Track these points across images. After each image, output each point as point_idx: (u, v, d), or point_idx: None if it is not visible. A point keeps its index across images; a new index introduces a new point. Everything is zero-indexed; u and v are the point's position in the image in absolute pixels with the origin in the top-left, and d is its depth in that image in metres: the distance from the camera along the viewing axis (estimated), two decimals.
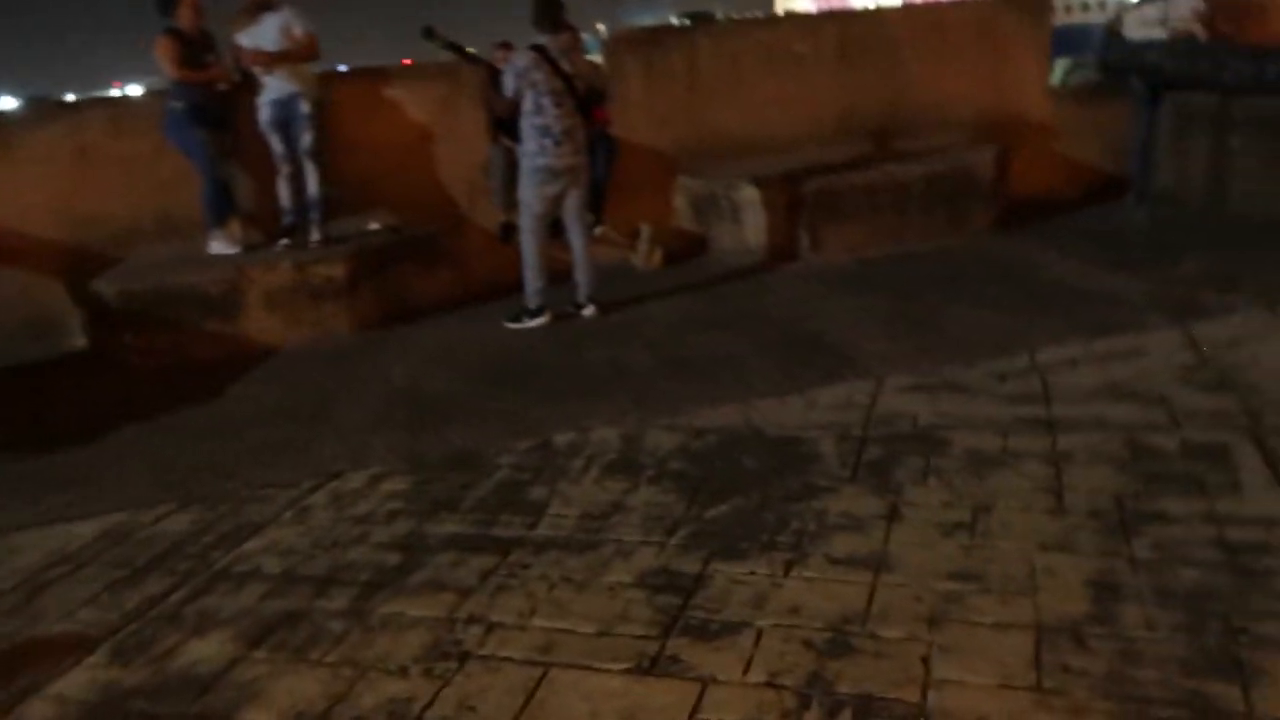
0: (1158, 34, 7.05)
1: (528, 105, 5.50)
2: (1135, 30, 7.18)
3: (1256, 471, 3.08)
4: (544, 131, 5.51)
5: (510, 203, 6.69)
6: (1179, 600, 2.45)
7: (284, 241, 6.31)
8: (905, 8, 7.49)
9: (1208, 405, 3.59)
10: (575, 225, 5.84)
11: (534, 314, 5.78)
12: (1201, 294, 4.93)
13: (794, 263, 6.55)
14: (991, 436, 3.50)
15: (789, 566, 2.79)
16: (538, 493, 3.48)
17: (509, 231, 6.76)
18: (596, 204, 6.97)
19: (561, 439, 3.96)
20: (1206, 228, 6.20)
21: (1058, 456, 3.30)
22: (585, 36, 7.12)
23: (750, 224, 6.76)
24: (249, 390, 5.18)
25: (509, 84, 5.51)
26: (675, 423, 4.00)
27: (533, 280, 5.75)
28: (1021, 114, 7.53)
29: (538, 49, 5.50)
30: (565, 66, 5.53)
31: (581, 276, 5.88)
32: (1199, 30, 6.99)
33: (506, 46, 7.06)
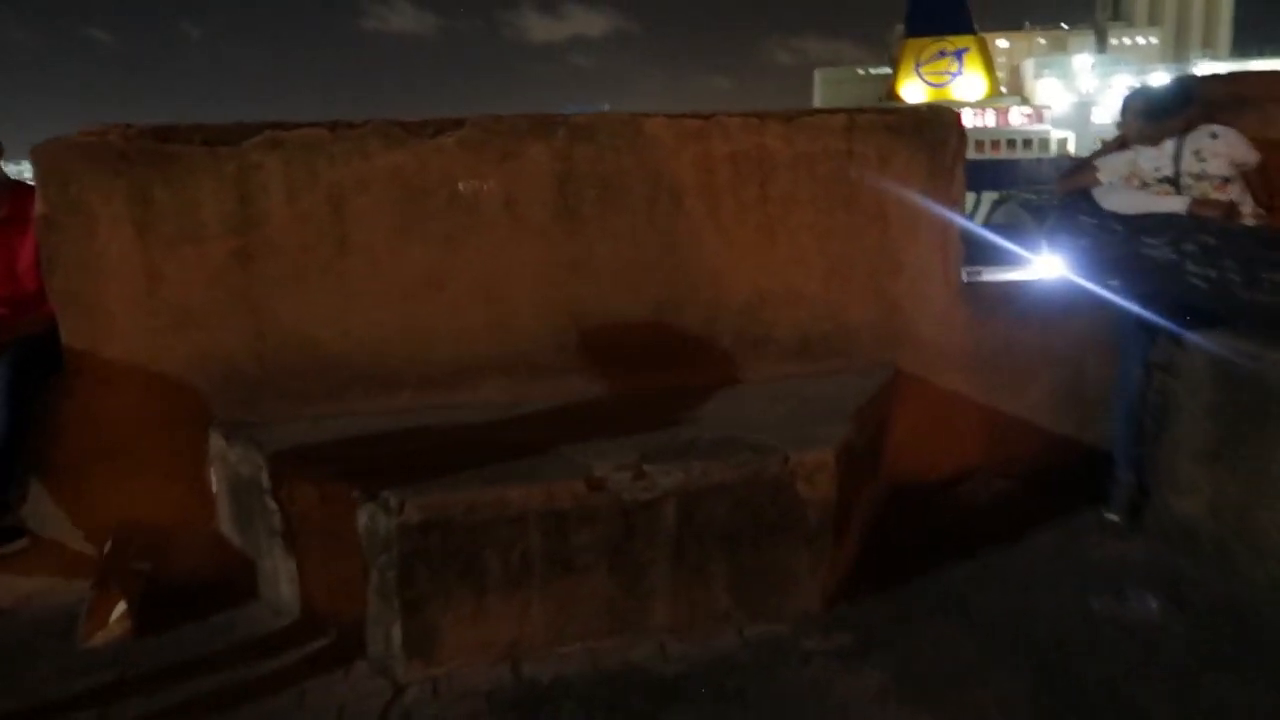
0: (1166, 204, 3.64)
1: None
2: (1118, 196, 3.76)
3: None
4: None
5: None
6: None
7: None
8: (686, 120, 3.78)
9: None
10: None
11: None
12: None
13: (352, 675, 2.81)
14: None
15: None
16: None
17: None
18: (3, 486, 3.24)
19: None
20: None
21: None
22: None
23: (283, 568, 3.06)
24: None
25: None
26: None
27: None
28: (909, 331, 4.01)
29: None
30: None
31: None
32: (1242, 199, 3.62)
33: None
